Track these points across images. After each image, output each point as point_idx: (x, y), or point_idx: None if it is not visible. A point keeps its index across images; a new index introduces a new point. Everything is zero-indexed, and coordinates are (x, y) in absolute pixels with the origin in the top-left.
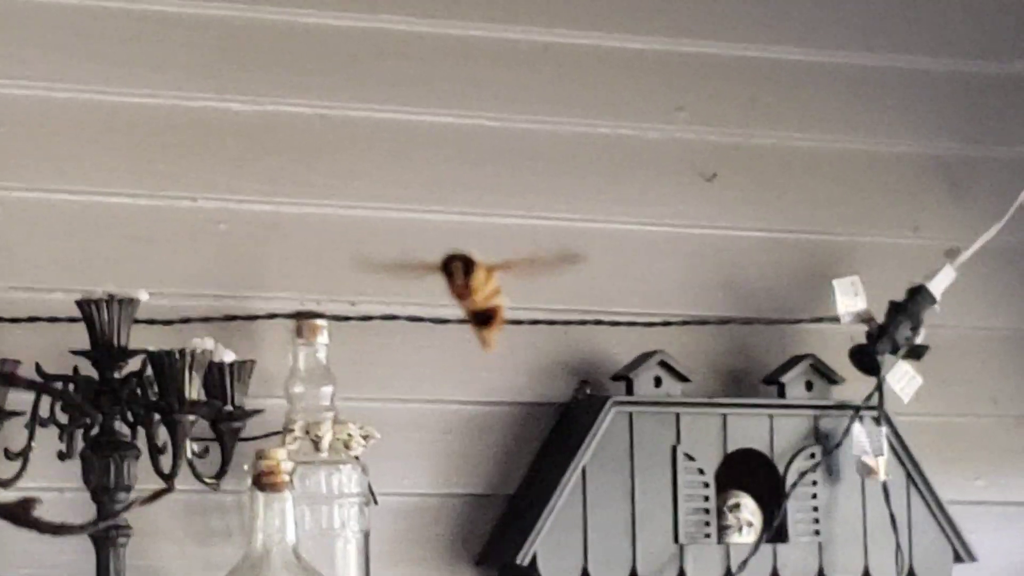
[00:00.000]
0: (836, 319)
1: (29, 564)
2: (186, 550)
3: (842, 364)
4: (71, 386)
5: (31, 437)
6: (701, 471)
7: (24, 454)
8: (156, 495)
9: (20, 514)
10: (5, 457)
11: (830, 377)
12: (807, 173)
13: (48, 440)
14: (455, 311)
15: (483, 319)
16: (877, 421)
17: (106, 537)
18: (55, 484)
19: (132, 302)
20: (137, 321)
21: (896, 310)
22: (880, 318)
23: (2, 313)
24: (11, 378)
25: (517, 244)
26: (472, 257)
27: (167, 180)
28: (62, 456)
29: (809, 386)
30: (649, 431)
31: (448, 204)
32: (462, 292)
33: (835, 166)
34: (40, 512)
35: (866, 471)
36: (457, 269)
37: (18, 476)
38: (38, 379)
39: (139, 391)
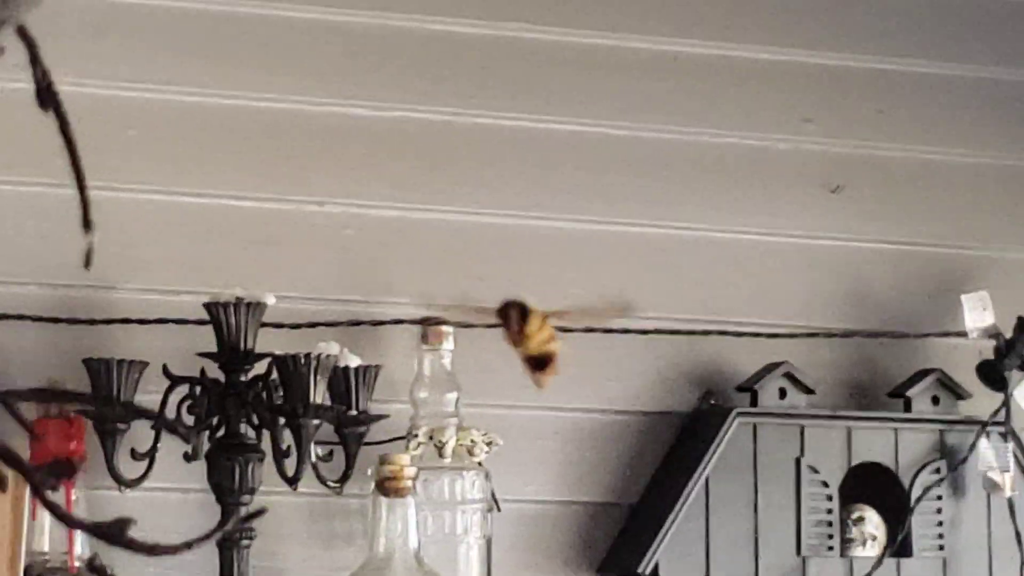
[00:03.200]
0: (964, 334)
1: (154, 563)
2: (310, 552)
3: (969, 379)
4: (198, 388)
5: (157, 438)
6: (825, 484)
7: (150, 455)
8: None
9: (115, 534)
10: (132, 458)
11: (957, 392)
12: (934, 185)
13: (174, 442)
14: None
15: (538, 364)
16: (1004, 437)
17: (230, 539)
18: (180, 485)
19: (259, 305)
20: (264, 324)
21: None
22: (1008, 333)
23: (131, 314)
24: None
25: (643, 252)
26: (527, 305)
27: (295, 185)
28: (188, 457)
29: (935, 400)
30: (773, 443)
31: (575, 212)
32: (516, 338)
33: (963, 179)
34: (134, 532)
35: (992, 487)
36: (513, 316)
37: (144, 476)
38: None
39: (264, 395)
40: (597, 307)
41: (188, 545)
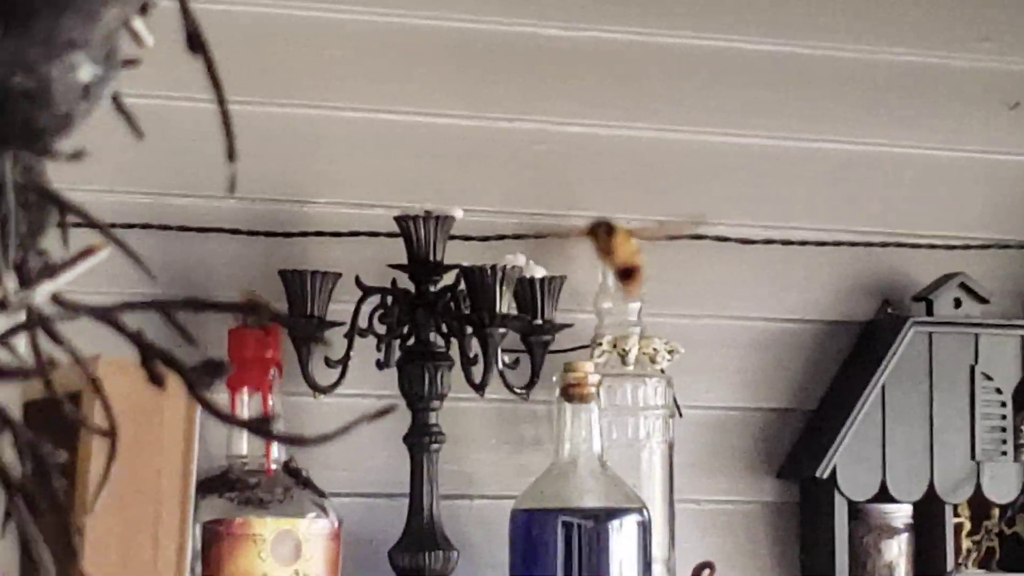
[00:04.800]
0: None
1: (346, 467)
2: (497, 457)
3: None
4: (389, 299)
5: (350, 346)
6: (999, 390)
7: (343, 362)
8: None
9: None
10: (326, 365)
11: None
12: None
13: (367, 350)
14: (762, 232)
15: (625, 275)
16: None
17: (420, 443)
18: (373, 391)
19: (448, 219)
20: (452, 237)
21: None
22: None
23: (325, 227)
24: None
25: (824, 168)
26: (613, 223)
27: (486, 102)
28: (380, 365)
29: None
30: (948, 351)
31: (758, 129)
32: (605, 252)
33: None
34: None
35: None
36: (601, 233)
37: (337, 383)
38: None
39: (453, 305)
40: (675, 221)
41: (327, 437)
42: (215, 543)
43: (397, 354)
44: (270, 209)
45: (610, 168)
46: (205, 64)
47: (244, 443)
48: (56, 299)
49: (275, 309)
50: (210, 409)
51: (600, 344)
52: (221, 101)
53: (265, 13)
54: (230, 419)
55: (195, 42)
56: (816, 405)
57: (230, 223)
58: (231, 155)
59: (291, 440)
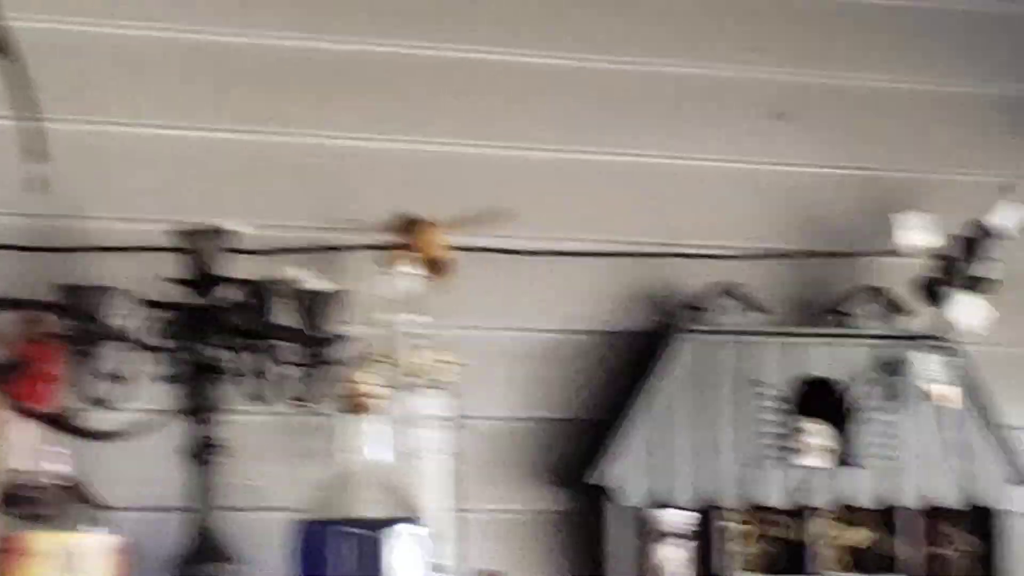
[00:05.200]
0: (902, 252)
1: (131, 481)
2: (281, 469)
3: (910, 296)
4: (171, 312)
5: (130, 360)
6: (772, 396)
7: (124, 376)
8: None
9: (62, 422)
10: (108, 379)
11: (898, 308)
12: (875, 112)
13: (148, 363)
14: (542, 243)
15: (434, 266)
16: (940, 351)
17: (199, 456)
18: (153, 405)
19: (227, 233)
20: (233, 251)
21: (961, 244)
22: (947, 252)
23: (101, 242)
24: None
25: (599, 180)
26: (418, 218)
27: (261, 116)
28: (161, 379)
29: (876, 316)
30: (718, 358)
31: (535, 142)
32: (414, 245)
33: (901, 106)
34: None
35: (930, 398)
36: (408, 227)
37: (119, 397)
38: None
39: (234, 318)
40: (479, 215)
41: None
42: None
43: (179, 367)
44: (49, 225)
45: (388, 180)
46: (14, 68)
47: (23, 457)
48: None
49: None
50: (14, 404)
51: (381, 358)
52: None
53: (37, 29)
54: (30, 412)
55: (4, 47)
56: (597, 414)
57: (7, 239)
58: (38, 157)
59: (87, 434)
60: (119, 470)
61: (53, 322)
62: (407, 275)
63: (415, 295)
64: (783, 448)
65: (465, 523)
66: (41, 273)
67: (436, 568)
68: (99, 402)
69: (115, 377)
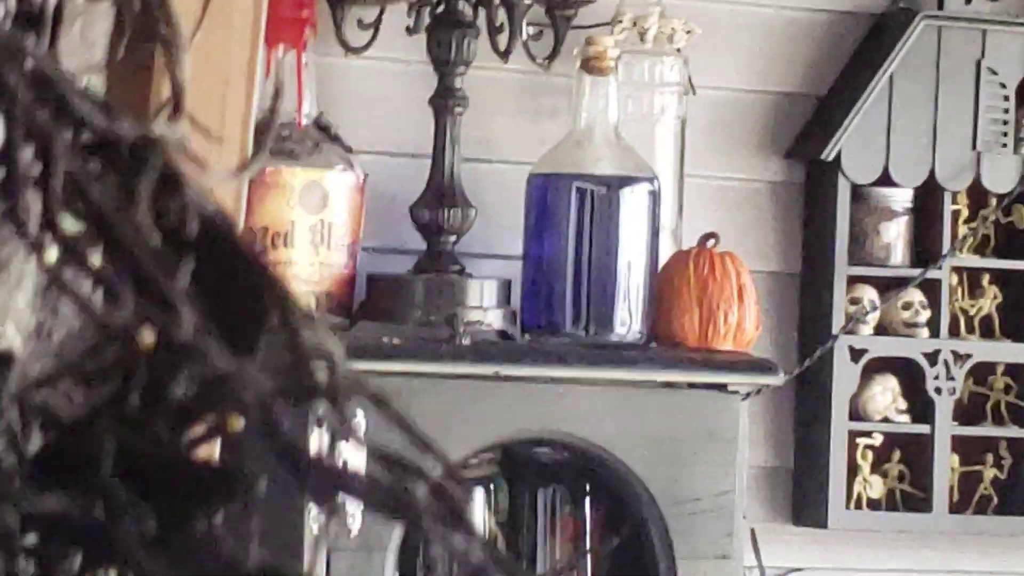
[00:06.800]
0: None
1: (373, 126)
2: (517, 125)
3: None
4: None
5: (382, 10)
6: (1003, 85)
7: (375, 25)
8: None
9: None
10: (358, 27)
11: None
12: None
13: (398, 15)
14: None
15: None
16: None
17: (444, 106)
18: (402, 56)
19: None
20: None
21: None
22: None
23: None
24: None
25: None
26: None
27: None
28: (410, 30)
29: None
30: (956, 45)
31: None
32: None
33: None
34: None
35: None
36: None
37: (368, 45)
38: None
39: None
40: None
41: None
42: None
43: (427, 20)
44: None
45: None
46: None
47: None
48: None
49: None
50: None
51: (620, 21)
52: None
53: None
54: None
55: None
56: (826, 91)
57: None
58: None
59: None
60: (364, 115)
61: None
62: None
63: None
64: (1013, 136)
65: (690, 187)
66: None
67: (663, 227)
68: (351, 50)
69: (367, 26)
